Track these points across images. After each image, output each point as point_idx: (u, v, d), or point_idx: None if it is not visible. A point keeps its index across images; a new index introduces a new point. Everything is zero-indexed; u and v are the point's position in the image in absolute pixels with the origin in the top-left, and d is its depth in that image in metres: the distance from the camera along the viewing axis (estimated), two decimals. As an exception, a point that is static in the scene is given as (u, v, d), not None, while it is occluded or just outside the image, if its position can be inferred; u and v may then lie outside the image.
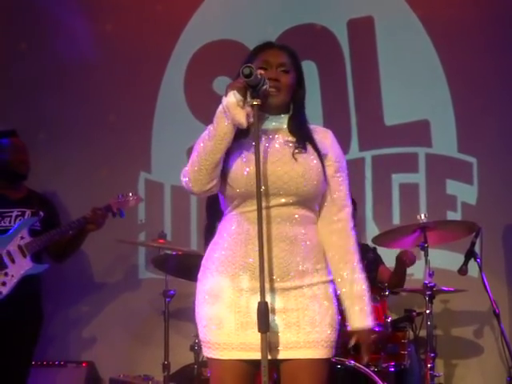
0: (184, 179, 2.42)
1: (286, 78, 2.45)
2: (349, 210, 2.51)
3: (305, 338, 2.37)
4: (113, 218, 4.42)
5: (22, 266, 4.18)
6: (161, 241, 4.48)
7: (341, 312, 2.49)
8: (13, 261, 4.17)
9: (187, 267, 4.25)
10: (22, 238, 4.22)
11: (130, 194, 4.45)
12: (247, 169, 2.37)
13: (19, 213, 4.32)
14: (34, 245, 4.21)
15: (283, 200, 2.39)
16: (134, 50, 5.33)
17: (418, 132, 5.12)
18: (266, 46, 2.52)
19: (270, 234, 2.37)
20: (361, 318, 2.46)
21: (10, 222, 4.30)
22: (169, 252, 4.44)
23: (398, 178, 5.09)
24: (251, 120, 2.31)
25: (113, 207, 4.36)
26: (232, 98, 2.31)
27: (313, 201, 2.45)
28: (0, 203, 4.35)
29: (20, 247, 4.20)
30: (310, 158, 2.43)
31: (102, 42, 5.38)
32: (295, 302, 2.38)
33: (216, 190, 2.43)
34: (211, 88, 5.10)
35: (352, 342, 2.47)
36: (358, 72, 5.22)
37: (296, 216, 2.41)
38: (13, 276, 4.15)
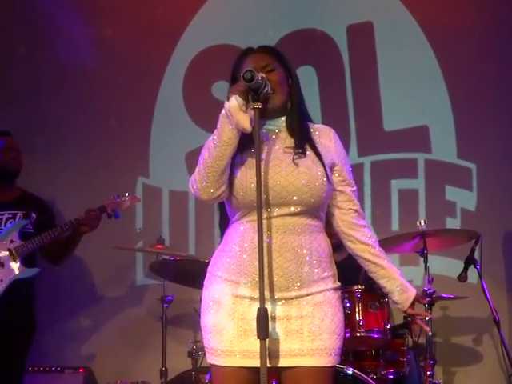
0: (192, 187, 2.41)
1: (273, 76, 2.44)
2: (354, 214, 2.53)
3: (308, 345, 2.36)
4: (109, 220, 4.38)
5: (11, 271, 4.12)
6: (159, 246, 4.47)
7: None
8: (2, 265, 4.12)
9: (185, 272, 4.24)
10: (12, 241, 4.17)
11: (127, 194, 4.41)
12: (252, 179, 2.35)
13: (10, 215, 4.28)
14: (24, 248, 4.16)
15: (288, 210, 2.39)
16: (133, 54, 5.32)
17: (418, 138, 5.10)
18: (246, 53, 2.52)
19: (274, 243, 2.37)
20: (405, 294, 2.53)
21: (0, 226, 4.26)
22: (167, 257, 4.42)
23: (397, 184, 5.07)
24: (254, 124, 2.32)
25: (107, 208, 4.32)
26: (234, 102, 2.31)
27: (318, 209, 2.44)
28: None
29: (10, 251, 4.15)
30: (312, 166, 2.42)
31: (101, 45, 5.37)
32: (298, 310, 2.37)
33: (225, 197, 2.42)
34: (210, 93, 5.08)
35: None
36: (358, 77, 5.21)
37: (301, 225, 2.40)
38: (2, 281, 4.10)
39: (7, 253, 4.15)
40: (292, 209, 2.39)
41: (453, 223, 4.96)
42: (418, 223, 4.06)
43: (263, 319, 2.21)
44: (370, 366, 4.04)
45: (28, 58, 5.38)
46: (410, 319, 2.66)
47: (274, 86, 2.41)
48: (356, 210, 2.53)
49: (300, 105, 2.52)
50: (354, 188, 2.55)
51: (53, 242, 4.26)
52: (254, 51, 2.52)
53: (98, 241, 4.91)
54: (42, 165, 5.10)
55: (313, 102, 5.02)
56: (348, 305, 3.84)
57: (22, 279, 4.15)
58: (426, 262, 4.05)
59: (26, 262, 4.19)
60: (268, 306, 2.28)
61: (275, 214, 2.38)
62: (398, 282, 2.52)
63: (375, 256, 2.51)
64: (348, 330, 3.76)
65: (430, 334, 3.69)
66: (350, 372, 3.69)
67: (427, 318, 3.86)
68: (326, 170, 2.43)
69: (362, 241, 2.51)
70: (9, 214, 4.29)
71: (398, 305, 2.55)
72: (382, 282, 2.53)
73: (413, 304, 2.55)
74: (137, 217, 5.17)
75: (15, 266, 4.14)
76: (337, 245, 2.56)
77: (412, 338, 4.15)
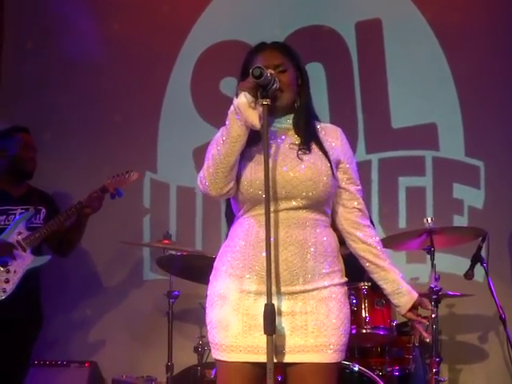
0: (201, 184, 2.41)
1: (284, 77, 2.44)
2: (358, 213, 2.52)
3: (313, 341, 2.35)
4: (115, 215, 4.38)
5: (23, 261, 4.14)
6: (166, 241, 4.47)
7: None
8: (14, 257, 4.13)
9: (192, 268, 4.24)
10: (19, 233, 4.18)
11: (127, 172, 4.40)
12: (257, 173, 2.36)
13: (23, 210, 4.30)
14: (32, 238, 4.17)
15: (293, 204, 2.39)
16: (140, 50, 5.32)
17: (426, 135, 5.09)
18: (259, 49, 2.51)
19: (279, 237, 2.36)
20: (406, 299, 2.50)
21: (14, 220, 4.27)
22: (174, 252, 4.42)
23: (404, 181, 5.07)
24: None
25: (108, 188, 4.32)
26: (243, 99, 2.31)
27: (323, 204, 2.44)
28: (3, 200, 4.31)
29: (19, 243, 4.16)
30: (317, 161, 2.42)
31: (108, 41, 5.37)
32: (303, 305, 2.37)
33: (233, 193, 2.42)
34: (218, 89, 5.08)
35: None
36: (366, 74, 5.20)
37: (306, 219, 2.40)
38: (15, 272, 4.11)
39: (17, 245, 4.16)
40: (296, 203, 2.39)
41: (460, 221, 4.95)
42: (425, 220, 4.04)
43: (270, 314, 2.21)
44: (376, 363, 4.03)
45: (35, 54, 5.39)
46: (409, 323, 2.63)
47: (284, 87, 2.42)
48: (360, 209, 2.52)
49: (308, 104, 2.52)
50: (359, 187, 2.54)
51: (59, 230, 4.28)
52: (265, 47, 2.51)
53: (105, 236, 4.93)
54: (48, 160, 5.09)
55: (321, 98, 5.02)
56: (354, 301, 3.84)
57: (30, 271, 4.16)
58: (432, 259, 4.03)
59: (34, 252, 4.21)
60: (273, 300, 2.27)
61: (280, 208, 2.38)
62: (398, 284, 2.50)
63: (377, 257, 2.49)
64: (354, 326, 3.76)
65: (428, 340, 3.65)
66: (355, 369, 3.69)
67: (431, 319, 3.87)
68: (331, 166, 2.43)
69: (365, 241, 2.50)
70: (22, 208, 4.31)
71: (397, 308, 2.53)
72: (382, 284, 2.51)
73: (413, 308, 2.52)
74: (144, 212, 5.18)
75: (26, 257, 4.16)
76: (342, 238, 2.55)
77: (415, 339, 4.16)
